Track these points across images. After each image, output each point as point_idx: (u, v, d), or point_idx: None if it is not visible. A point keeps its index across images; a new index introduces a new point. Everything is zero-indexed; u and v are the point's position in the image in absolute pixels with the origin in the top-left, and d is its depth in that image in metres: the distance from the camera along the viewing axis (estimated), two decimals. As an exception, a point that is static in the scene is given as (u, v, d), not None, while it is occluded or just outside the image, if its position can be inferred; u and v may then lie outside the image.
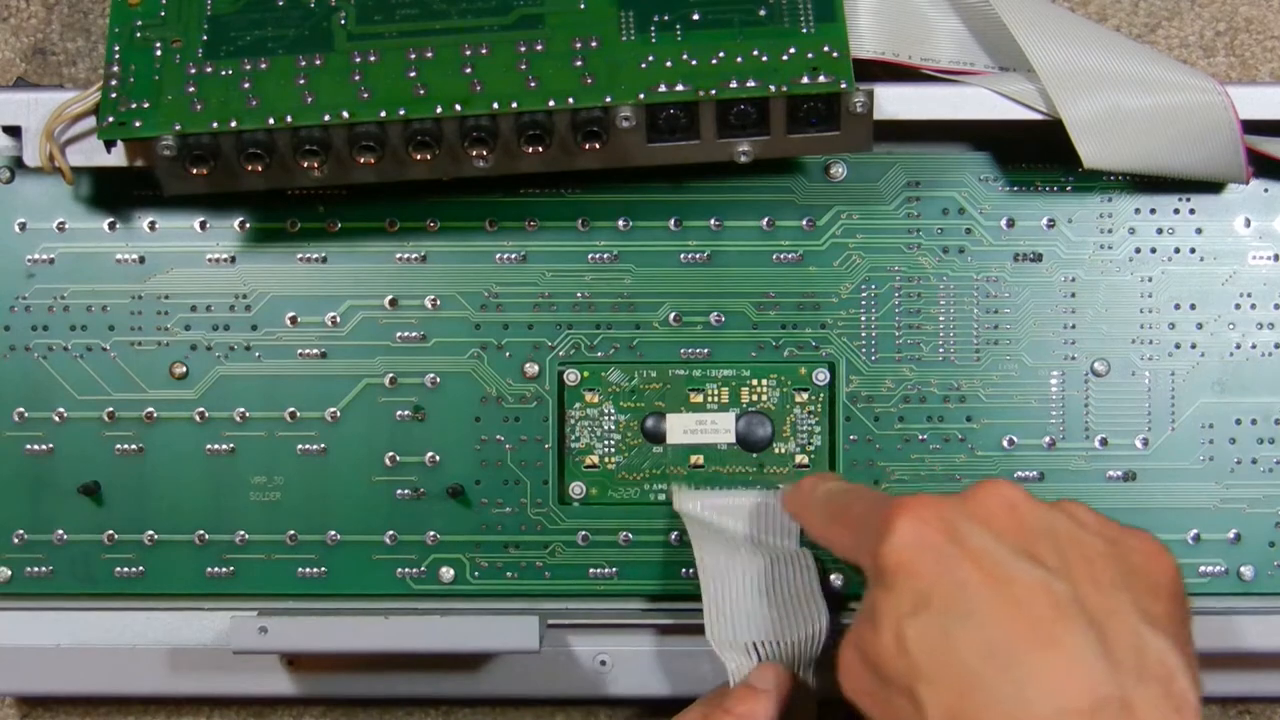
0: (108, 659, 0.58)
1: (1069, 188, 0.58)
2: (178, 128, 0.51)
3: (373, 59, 0.52)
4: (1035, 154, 0.58)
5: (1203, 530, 0.58)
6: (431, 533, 0.58)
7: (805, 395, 0.58)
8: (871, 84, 0.53)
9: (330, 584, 0.58)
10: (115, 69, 0.53)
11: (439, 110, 0.51)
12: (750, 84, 0.51)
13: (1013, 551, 0.44)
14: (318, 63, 0.52)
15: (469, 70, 0.52)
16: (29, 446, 0.58)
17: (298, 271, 0.58)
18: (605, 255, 0.58)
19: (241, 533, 0.58)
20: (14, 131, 0.56)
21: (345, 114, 0.51)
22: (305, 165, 0.52)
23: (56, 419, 0.58)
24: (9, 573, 0.58)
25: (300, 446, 0.58)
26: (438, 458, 0.58)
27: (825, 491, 0.52)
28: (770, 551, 0.55)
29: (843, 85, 0.51)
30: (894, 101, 0.55)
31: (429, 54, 0.52)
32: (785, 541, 0.56)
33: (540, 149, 0.52)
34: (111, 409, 0.58)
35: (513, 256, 0.58)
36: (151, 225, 0.58)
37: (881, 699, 0.45)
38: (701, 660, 0.57)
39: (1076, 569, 0.45)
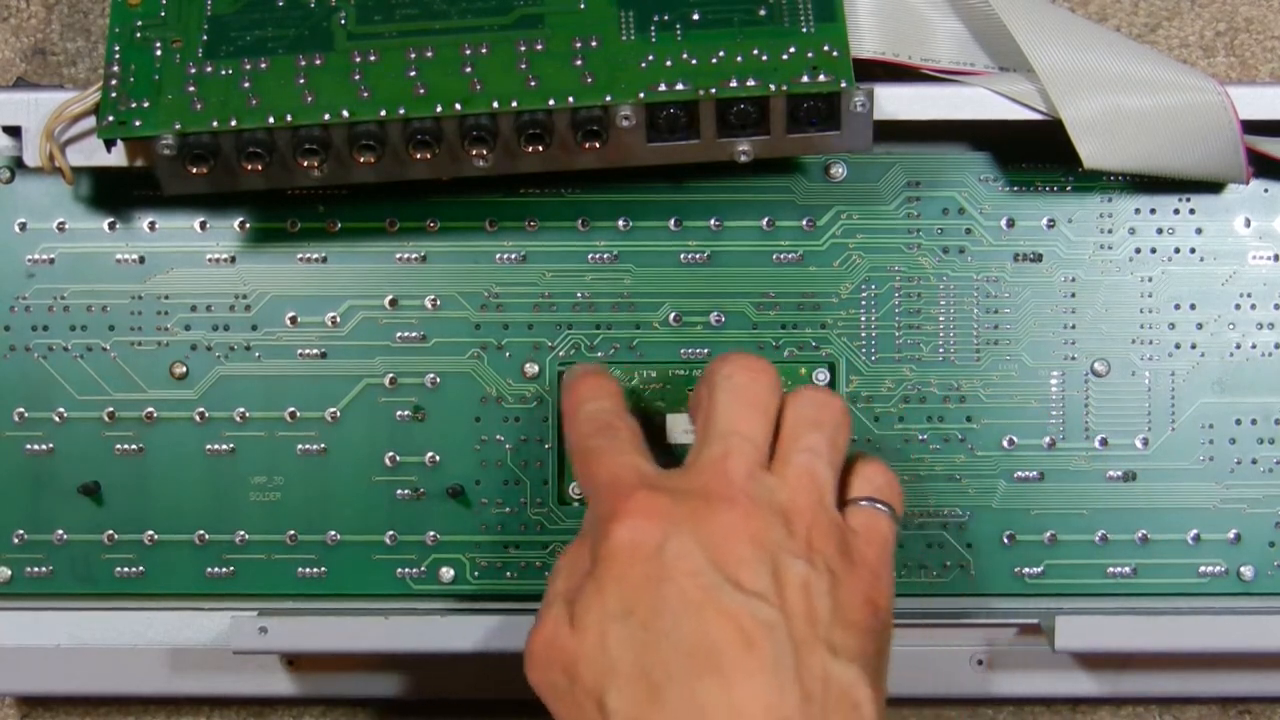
0: (108, 659, 0.58)
1: (1069, 188, 0.58)
2: (177, 127, 0.51)
3: (373, 58, 0.52)
4: (1035, 154, 0.58)
5: (1203, 530, 0.58)
6: (431, 533, 0.58)
7: (805, 395, 0.58)
8: (871, 84, 0.53)
9: (330, 584, 0.58)
10: (115, 69, 0.53)
11: (439, 109, 0.51)
12: (750, 83, 0.51)
13: (722, 574, 0.45)
14: (318, 62, 0.52)
15: (469, 69, 0.52)
16: (29, 446, 0.58)
17: (298, 271, 0.58)
18: (605, 255, 0.58)
19: (241, 533, 0.58)
20: (14, 131, 0.56)
21: (345, 113, 0.51)
22: (305, 165, 0.52)
23: (56, 419, 0.58)
24: (9, 573, 0.58)
25: (300, 446, 0.58)
26: (438, 458, 0.58)
27: (590, 415, 0.51)
28: None
29: (843, 85, 0.51)
30: (894, 101, 0.55)
31: (429, 53, 0.52)
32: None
33: (540, 148, 0.52)
34: (111, 409, 0.58)
35: (513, 256, 0.58)
36: (151, 225, 0.58)
37: (567, 696, 0.46)
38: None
39: (788, 595, 0.45)
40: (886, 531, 0.49)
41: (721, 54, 0.52)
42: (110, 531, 0.58)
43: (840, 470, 0.50)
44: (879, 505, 0.50)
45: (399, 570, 0.58)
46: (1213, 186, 0.57)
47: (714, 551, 0.46)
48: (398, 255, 0.58)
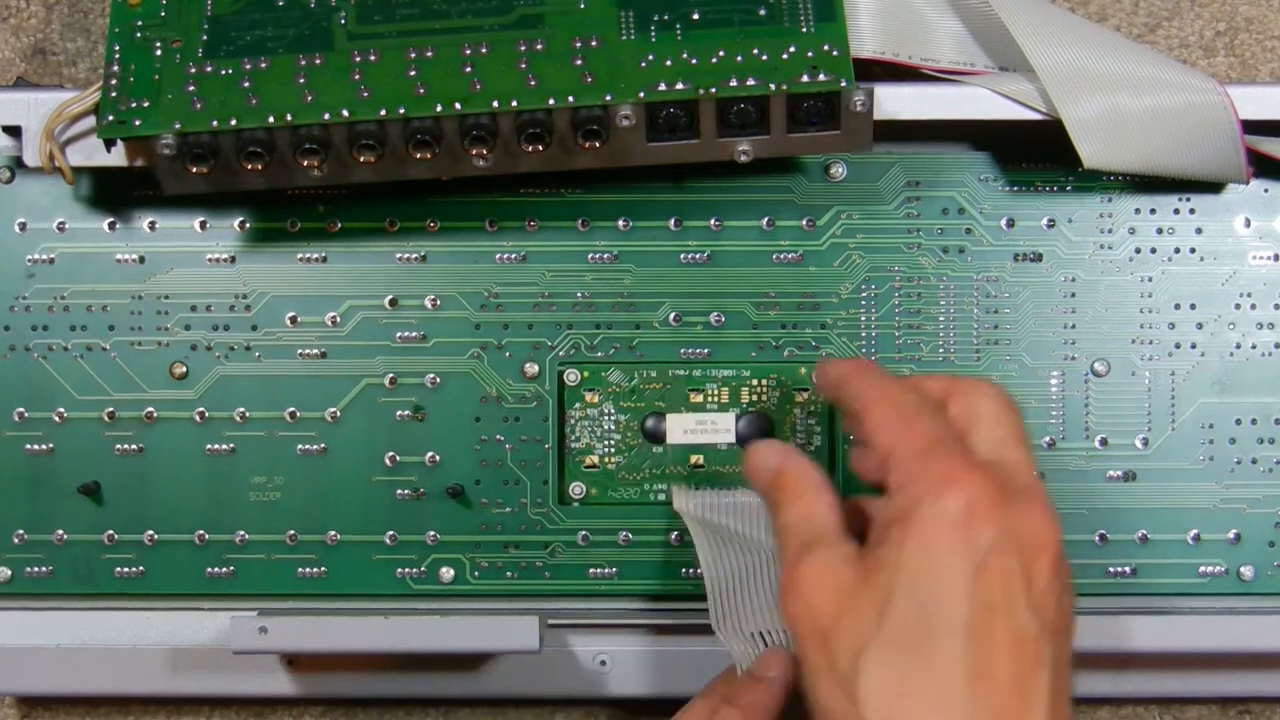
0: (108, 659, 0.58)
1: (1069, 188, 0.58)
2: (177, 126, 0.51)
3: (373, 58, 0.52)
4: (1035, 154, 0.58)
5: (1203, 530, 0.58)
6: (431, 533, 0.58)
7: (805, 395, 0.58)
8: (871, 84, 0.53)
9: (330, 584, 0.58)
10: (115, 69, 0.53)
11: (439, 109, 0.51)
12: (750, 83, 0.51)
13: (1025, 591, 0.44)
14: (318, 62, 0.52)
15: (469, 69, 0.52)
16: (29, 446, 0.58)
17: (298, 271, 0.58)
18: (605, 255, 0.58)
19: (241, 533, 0.58)
20: (14, 131, 0.56)
21: (345, 113, 0.51)
22: (305, 164, 0.52)
23: (56, 419, 0.58)
24: (9, 573, 0.58)
25: (300, 446, 0.58)
26: (438, 458, 0.58)
27: (899, 382, 0.48)
28: (771, 548, 0.55)
29: (843, 84, 0.51)
30: (894, 101, 0.55)
31: (429, 53, 0.52)
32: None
33: (540, 148, 0.52)
34: (111, 409, 0.58)
35: (513, 256, 0.58)
36: (151, 225, 0.58)
37: (819, 651, 0.44)
38: (701, 660, 0.57)
39: (1060, 637, 0.45)
40: None
41: (721, 54, 0.52)
42: (110, 531, 0.58)
43: None
44: None
45: (399, 570, 0.58)
46: (1213, 186, 0.57)
47: (1026, 563, 0.44)
48: (398, 255, 0.58)
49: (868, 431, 0.47)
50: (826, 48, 0.52)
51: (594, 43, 0.52)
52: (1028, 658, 0.43)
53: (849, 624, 0.44)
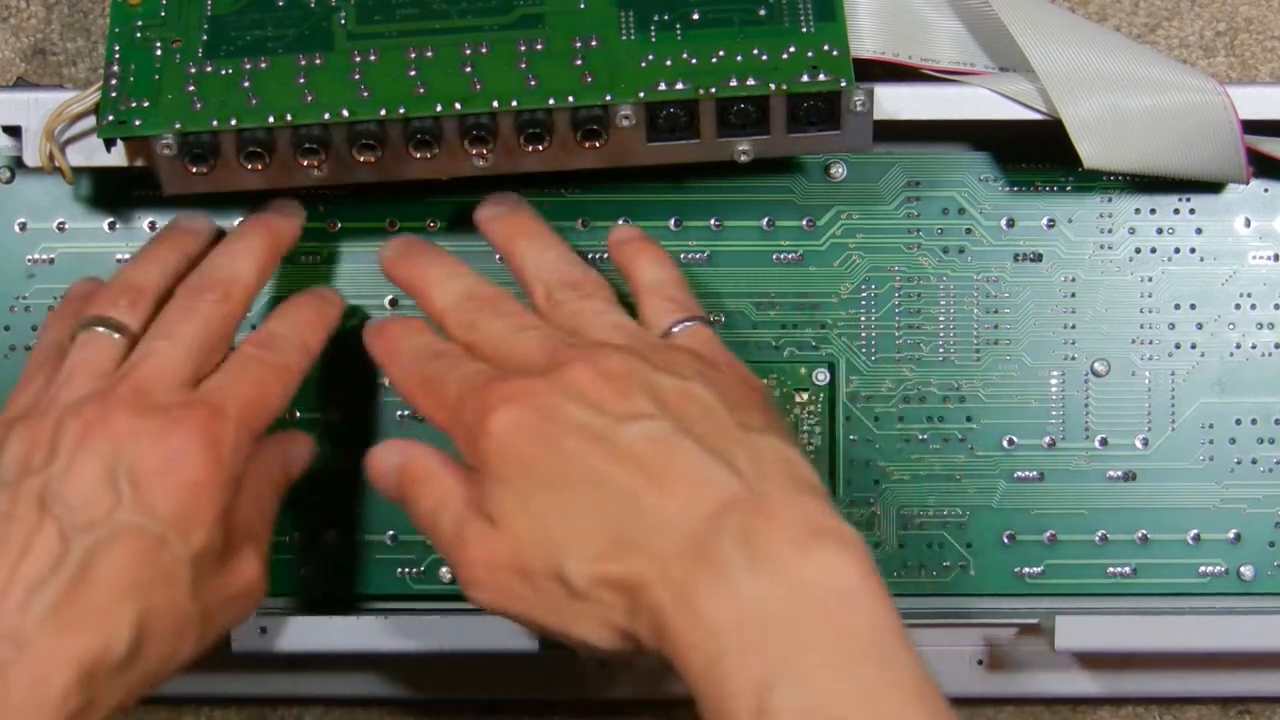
0: (107, 659, 0.58)
1: (1069, 188, 0.58)
2: (177, 126, 0.51)
3: (373, 58, 0.52)
4: (1035, 154, 0.58)
5: (1203, 530, 0.58)
6: (431, 533, 0.58)
7: (805, 395, 0.58)
8: (871, 84, 0.53)
9: (330, 584, 0.58)
10: (115, 69, 0.53)
11: (439, 109, 0.51)
12: (750, 83, 0.51)
13: (607, 416, 0.46)
14: (318, 62, 0.52)
15: (469, 69, 0.52)
16: (29, 446, 0.58)
17: (298, 271, 0.58)
18: (605, 255, 0.58)
19: (241, 533, 0.58)
20: (14, 131, 0.55)
21: (345, 113, 0.51)
22: (305, 164, 0.52)
23: (56, 419, 0.58)
24: (9, 573, 0.58)
25: (300, 446, 0.58)
26: (438, 458, 0.58)
27: (414, 350, 0.52)
28: None
29: (843, 84, 0.51)
30: (894, 101, 0.55)
31: (429, 53, 0.52)
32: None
33: (540, 148, 0.52)
34: (111, 409, 0.58)
35: (513, 256, 0.58)
36: (151, 225, 0.58)
37: (529, 593, 0.46)
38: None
39: (675, 407, 0.46)
40: (710, 335, 0.51)
41: (721, 53, 0.52)
42: (110, 531, 0.58)
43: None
44: (688, 323, 0.51)
45: (399, 570, 0.58)
46: (1213, 186, 0.57)
47: (588, 400, 0.46)
48: (398, 255, 0.58)
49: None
50: (826, 48, 0.52)
51: (594, 43, 0.52)
52: (657, 450, 0.45)
53: (534, 561, 0.46)
